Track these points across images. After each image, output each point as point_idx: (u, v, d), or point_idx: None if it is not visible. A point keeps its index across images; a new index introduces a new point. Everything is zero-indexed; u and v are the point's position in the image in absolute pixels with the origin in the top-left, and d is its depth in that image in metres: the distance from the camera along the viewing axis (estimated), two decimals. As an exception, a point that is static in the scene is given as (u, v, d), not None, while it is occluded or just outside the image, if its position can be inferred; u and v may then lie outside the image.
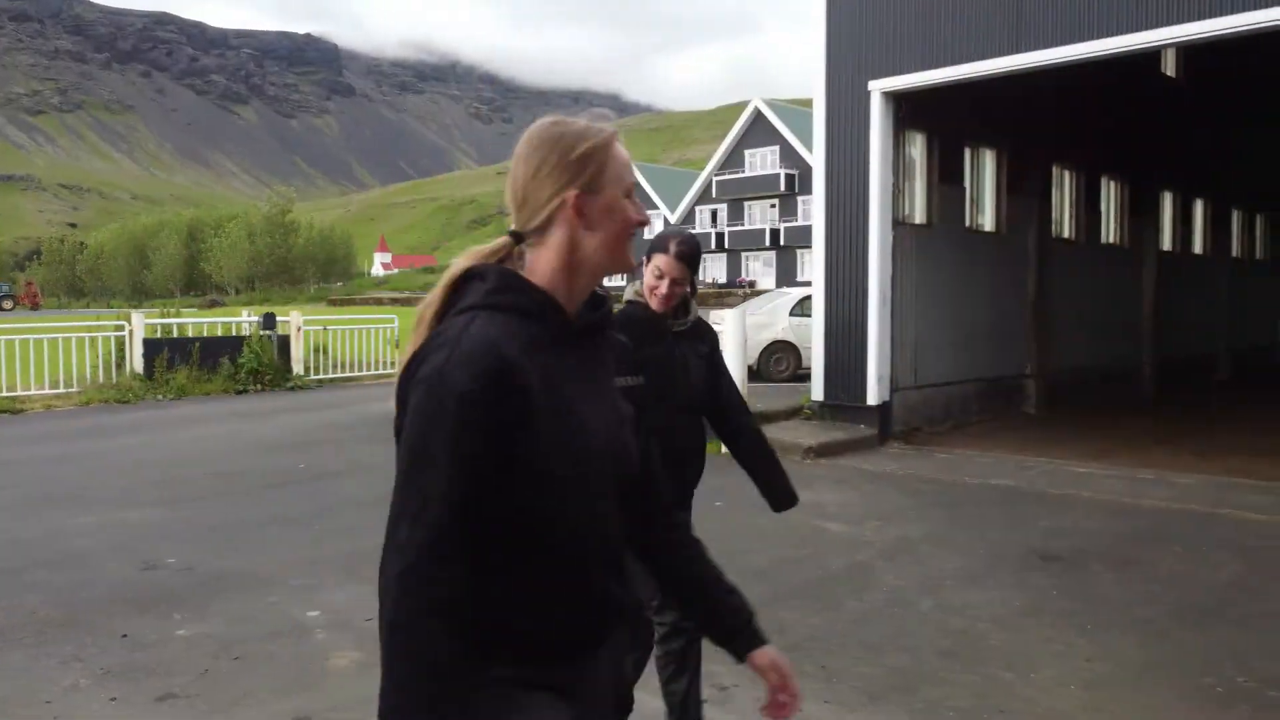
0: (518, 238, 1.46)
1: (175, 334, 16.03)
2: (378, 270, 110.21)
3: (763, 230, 58.27)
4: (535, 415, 1.35)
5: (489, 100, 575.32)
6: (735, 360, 9.93)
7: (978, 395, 12.35)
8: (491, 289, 1.40)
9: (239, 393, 15.01)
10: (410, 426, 1.34)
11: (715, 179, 60.46)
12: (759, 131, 58.08)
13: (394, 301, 58.91)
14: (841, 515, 7.14)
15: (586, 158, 1.44)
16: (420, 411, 1.33)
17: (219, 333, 16.52)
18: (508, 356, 1.34)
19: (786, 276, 55.21)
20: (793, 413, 11.03)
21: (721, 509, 6.89)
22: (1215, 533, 6.74)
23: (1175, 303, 16.86)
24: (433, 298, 1.45)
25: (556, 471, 1.38)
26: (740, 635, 1.67)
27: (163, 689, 4.09)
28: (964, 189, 12.60)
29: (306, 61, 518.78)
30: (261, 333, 15.94)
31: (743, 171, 58.94)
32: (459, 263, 1.46)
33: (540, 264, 1.45)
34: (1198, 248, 18.70)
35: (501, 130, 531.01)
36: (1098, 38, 9.09)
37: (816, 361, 11.07)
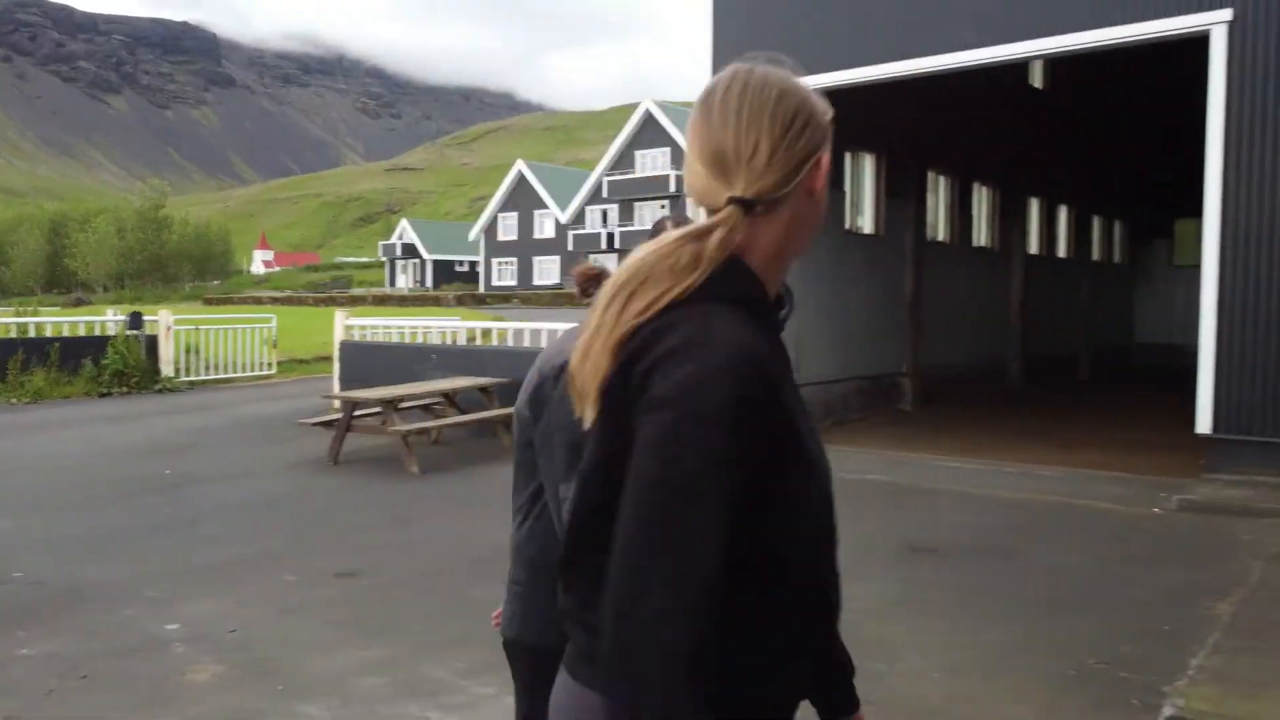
0: (747, 207, 1.16)
1: (32, 333, 15.12)
2: (258, 268, 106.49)
3: (653, 231, 58.66)
4: (795, 439, 1.15)
5: (377, 95, 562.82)
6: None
7: (857, 393, 12.66)
8: (720, 276, 1.14)
9: (102, 395, 14.27)
10: (658, 457, 1.06)
11: (606, 179, 60.62)
12: (650, 133, 58.50)
13: (274, 300, 57.07)
14: (722, 513, 7.21)
15: (828, 119, 1.21)
16: (673, 439, 1.06)
17: (81, 332, 15.65)
18: (770, 368, 1.11)
19: (677, 277, 55.74)
20: (678, 412, 11.08)
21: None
22: (1076, 523, 7.07)
23: (1041, 304, 17.65)
24: (637, 277, 1.13)
25: (809, 505, 1.19)
26: (839, 692, 1.51)
27: None
28: (844, 192, 12.91)
29: (183, 50, 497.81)
30: (127, 332, 15.19)
31: (633, 172, 59.26)
32: (676, 241, 1.15)
33: (763, 243, 1.18)
34: (1061, 251, 19.63)
35: (390, 126, 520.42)
36: (973, 48, 9.43)
37: (701, 361, 11.16)
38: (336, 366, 12.65)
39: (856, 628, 4.80)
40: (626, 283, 1.15)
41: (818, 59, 10.31)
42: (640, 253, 1.17)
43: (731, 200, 1.16)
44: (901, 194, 13.84)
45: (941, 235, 15.38)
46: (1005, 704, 3.96)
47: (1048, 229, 18.91)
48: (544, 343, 10.88)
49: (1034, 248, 18.14)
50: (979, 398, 14.44)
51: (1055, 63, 16.48)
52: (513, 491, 1.97)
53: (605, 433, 1.14)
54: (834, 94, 10.78)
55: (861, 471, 8.88)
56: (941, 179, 15.36)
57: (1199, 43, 8.31)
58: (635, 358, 1.11)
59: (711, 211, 1.18)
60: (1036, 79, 17.23)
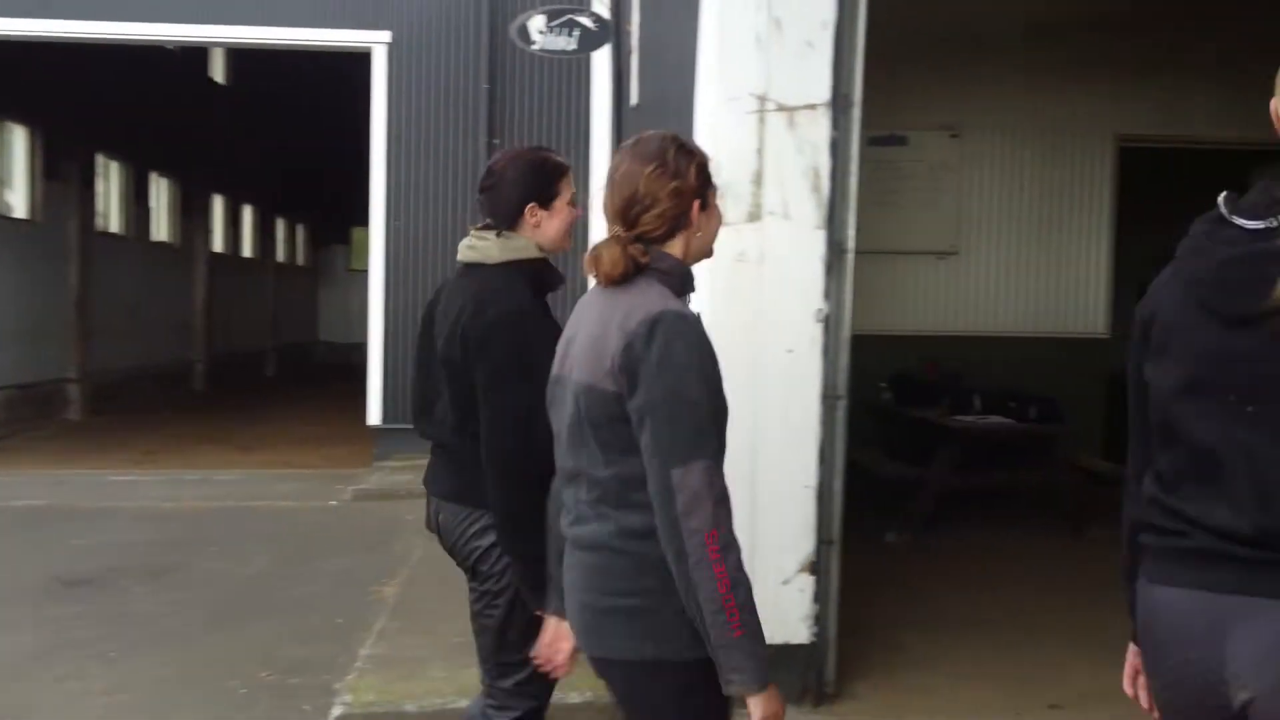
0: None
1: None
2: None
3: None
4: None
5: None
6: None
7: (8, 404, 10.86)
8: None
9: None
10: None
11: None
12: None
13: None
14: None
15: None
16: None
17: None
18: None
19: None
20: None
21: None
22: (249, 526, 6.89)
23: (226, 302, 17.32)
24: None
25: None
26: None
27: None
28: (-15, 166, 10.91)
29: None
30: None
31: None
32: None
33: None
34: (247, 251, 19.58)
35: None
36: (137, 21, 8.65)
37: None
38: None
39: (-15, 694, 3.91)
40: None
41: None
42: None
43: None
44: (64, 177, 12.21)
45: (115, 226, 14.04)
46: (166, 745, 3.55)
47: (233, 228, 18.67)
48: None
49: (219, 246, 17.72)
50: (160, 401, 13.56)
51: (238, 57, 16.30)
52: (571, 480, 1.81)
53: None
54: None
55: (8, 498, 7.51)
56: (114, 165, 14.00)
57: (368, 57, 8.83)
58: None
59: None
60: (218, 72, 16.83)
